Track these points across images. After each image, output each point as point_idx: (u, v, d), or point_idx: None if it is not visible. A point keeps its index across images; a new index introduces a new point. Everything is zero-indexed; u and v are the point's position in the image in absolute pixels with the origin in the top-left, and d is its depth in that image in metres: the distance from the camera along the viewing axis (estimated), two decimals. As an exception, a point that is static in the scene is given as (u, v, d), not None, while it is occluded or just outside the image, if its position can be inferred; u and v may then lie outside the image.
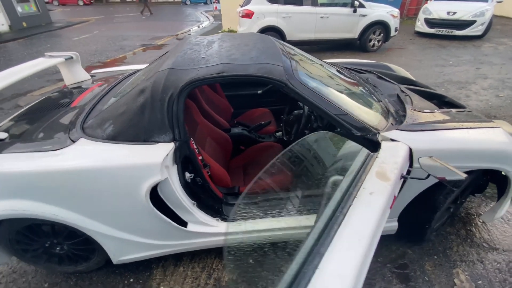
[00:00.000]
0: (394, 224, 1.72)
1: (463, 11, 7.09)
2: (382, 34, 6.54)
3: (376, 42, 6.62)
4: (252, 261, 1.18)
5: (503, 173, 1.57)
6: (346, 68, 2.47)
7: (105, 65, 6.75)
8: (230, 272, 1.14)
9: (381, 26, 6.42)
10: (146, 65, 2.44)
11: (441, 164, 1.10)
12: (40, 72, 6.42)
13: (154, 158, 1.31)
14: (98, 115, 1.49)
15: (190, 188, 1.53)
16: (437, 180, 1.27)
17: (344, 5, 6.25)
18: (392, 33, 6.55)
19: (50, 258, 1.68)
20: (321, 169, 1.39)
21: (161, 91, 1.36)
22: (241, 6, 6.63)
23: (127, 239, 1.51)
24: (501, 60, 5.68)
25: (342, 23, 6.32)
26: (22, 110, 1.98)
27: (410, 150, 1.37)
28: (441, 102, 2.16)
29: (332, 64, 2.44)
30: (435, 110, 1.76)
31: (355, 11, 6.19)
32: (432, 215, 1.62)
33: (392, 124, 1.57)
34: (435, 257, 1.80)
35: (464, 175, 1.06)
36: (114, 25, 13.12)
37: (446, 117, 1.69)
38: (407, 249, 1.84)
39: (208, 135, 2.04)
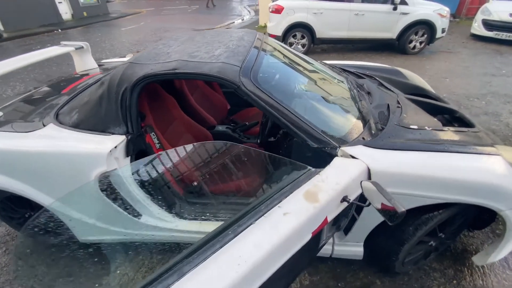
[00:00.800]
0: (359, 249, 1.55)
1: (533, 12, 5.99)
2: (425, 35, 5.86)
3: (417, 44, 5.96)
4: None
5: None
6: (346, 71, 2.27)
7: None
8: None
9: (425, 26, 5.74)
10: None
11: (378, 191, 0.94)
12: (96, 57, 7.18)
13: (101, 149, 1.35)
14: (69, 103, 1.59)
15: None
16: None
17: (384, 1, 5.72)
18: (439, 34, 5.82)
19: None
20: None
21: (117, 84, 1.39)
22: (273, 1, 6.50)
23: (86, 221, 1.61)
24: None
25: (379, 22, 5.81)
26: (30, 92, 2.22)
27: (369, 171, 1.20)
28: (452, 117, 1.87)
29: (331, 66, 2.26)
30: (426, 127, 1.51)
31: (395, 9, 5.63)
32: (399, 247, 1.41)
33: (362, 138, 1.40)
34: (407, 293, 1.58)
35: (402, 209, 0.90)
36: (161, 17, 13.92)
37: (437, 136, 1.45)
38: (376, 279, 1.65)
39: (186, 131, 2.05)
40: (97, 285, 1.69)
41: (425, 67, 5.19)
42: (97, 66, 2.61)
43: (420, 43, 5.96)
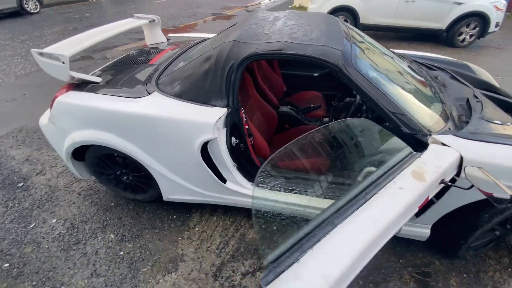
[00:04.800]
0: (426, 231, 1.67)
1: None
2: (477, 28, 5.57)
3: (467, 37, 5.69)
4: (275, 228, 1.29)
5: None
6: (416, 62, 2.28)
7: (177, 30, 7.28)
8: (256, 232, 1.27)
9: (478, 18, 5.45)
10: (214, 35, 2.63)
11: (489, 178, 1.05)
12: (126, 31, 7.34)
13: (209, 119, 1.50)
14: (170, 74, 1.73)
15: (234, 151, 1.71)
16: (484, 196, 1.20)
17: (438, -12, 5.44)
18: (492, 28, 5.52)
19: (118, 183, 2.10)
20: (358, 158, 1.42)
21: (224, 60, 1.51)
22: (317, -19, 6.29)
23: (177, 182, 1.80)
24: None
25: (430, 10, 5.55)
26: (112, 61, 2.38)
27: (461, 159, 1.30)
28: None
29: (401, 56, 2.28)
30: (509, 123, 1.57)
31: (449, -3, 5.36)
32: (471, 232, 1.52)
33: (449, 128, 1.48)
34: (465, 275, 1.71)
35: (509, 194, 1.00)
36: (192, -9, 13.72)
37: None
38: (435, 259, 1.78)
39: (257, 109, 2.18)
40: (180, 238, 1.91)
41: (476, 63, 4.99)
42: (165, 39, 2.73)
43: (470, 36, 5.68)
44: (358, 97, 1.82)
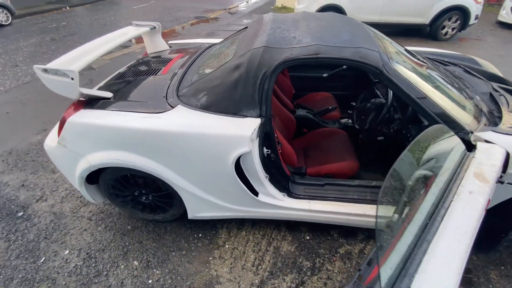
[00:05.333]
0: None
1: None
2: (458, 21, 5.82)
3: (449, 30, 5.93)
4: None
5: None
6: (428, 58, 2.30)
7: (163, 35, 7.05)
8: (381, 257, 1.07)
9: (459, 12, 5.69)
10: (218, 40, 2.53)
11: None
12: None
13: (244, 131, 1.41)
14: (192, 85, 1.62)
15: (264, 162, 1.63)
16: None
17: (419, -15, 5.62)
18: (472, 21, 5.78)
19: (135, 205, 1.95)
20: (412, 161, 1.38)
21: (256, 68, 1.43)
22: (302, -18, 6.32)
23: (206, 198, 1.69)
24: None
25: (414, 6, 5.74)
26: (115, 74, 2.22)
27: (508, 156, 1.29)
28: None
29: (415, 53, 2.29)
30: (537, 116, 1.59)
31: (431, -7, 5.55)
32: (513, 224, 1.54)
33: (485, 124, 1.47)
34: (502, 267, 1.73)
35: None
36: (170, -5, 13.42)
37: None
38: (472, 255, 1.79)
39: (276, 114, 2.10)
40: (211, 258, 1.80)
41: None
42: (168, 47, 2.59)
43: (452, 29, 5.93)
44: (390, 97, 1.77)
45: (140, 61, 2.34)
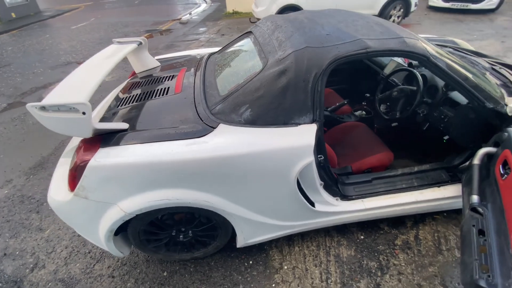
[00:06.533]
0: None
1: (479, -16, 7.03)
2: (402, 10, 6.44)
3: (396, 18, 6.53)
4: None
5: None
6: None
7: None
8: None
9: (401, 1, 6.31)
10: (217, 48, 2.35)
11: None
12: (52, 63, 6.17)
13: (306, 140, 1.30)
14: (226, 100, 1.43)
15: (318, 169, 1.53)
16: None
17: (365, -20, 6.09)
18: (412, 8, 6.46)
19: (170, 246, 1.68)
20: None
21: (305, 70, 1.32)
22: (256, -15, 6.38)
23: (261, 221, 1.52)
24: (523, 32, 5.72)
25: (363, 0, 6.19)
26: (108, 99, 1.91)
27: None
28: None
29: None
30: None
31: (376, -14, 6.05)
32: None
33: (508, 95, 1.58)
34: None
35: None
36: (108, 11, 12.49)
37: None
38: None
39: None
40: (273, 284, 1.63)
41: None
42: (158, 63, 2.33)
43: (398, 17, 6.54)
44: (421, 83, 1.78)
45: (135, 82, 2.04)
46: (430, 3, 7.90)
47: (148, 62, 2.30)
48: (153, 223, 1.51)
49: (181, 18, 10.07)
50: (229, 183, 1.34)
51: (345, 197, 1.66)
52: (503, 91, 1.62)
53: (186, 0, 14.73)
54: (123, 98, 1.81)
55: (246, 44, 1.92)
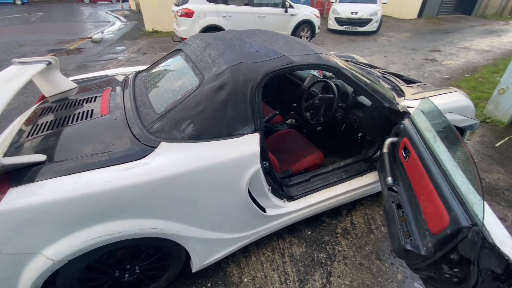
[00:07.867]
0: None
1: (362, 11, 8.79)
2: (309, 32, 7.47)
3: (305, 39, 7.51)
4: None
5: None
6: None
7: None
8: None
9: (308, 24, 7.32)
10: (141, 67, 2.25)
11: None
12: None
13: (251, 148, 1.37)
14: (164, 117, 1.38)
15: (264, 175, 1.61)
16: None
17: (275, 5, 6.84)
18: (317, 30, 7.56)
19: (113, 290, 1.46)
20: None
21: (242, 84, 1.40)
22: (177, 5, 6.40)
23: (215, 238, 1.49)
24: (397, 49, 7.39)
25: (277, 22, 6.91)
26: (9, 130, 1.58)
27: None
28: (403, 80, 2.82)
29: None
30: (411, 85, 2.34)
31: (286, 11, 6.86)
32: None
33: (398, 96, 2.03)
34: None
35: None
36: (-2, 30, 10.34)
37: (421, 89, 2.28)
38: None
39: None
40: (236, 301, 1.58)
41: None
42: (75, 85, 2.07)
43: (307, 38, 7.54)
44: (335, 91, 2.08)
45: (46, 107, 1.75)
46: (329, 27, 9.42)
47: (61, 83, 2.02)
48: (91, 267, 1.29)
49: (92, 37, 9.14)
50: (179, 203, 1.27)
51: (290, 198, 1.78)
52: (394, 93, 2.07)
53: (96, 18, 13.55)
54: (32, 127, 1.53)
55: (177, 61, 1.90)
